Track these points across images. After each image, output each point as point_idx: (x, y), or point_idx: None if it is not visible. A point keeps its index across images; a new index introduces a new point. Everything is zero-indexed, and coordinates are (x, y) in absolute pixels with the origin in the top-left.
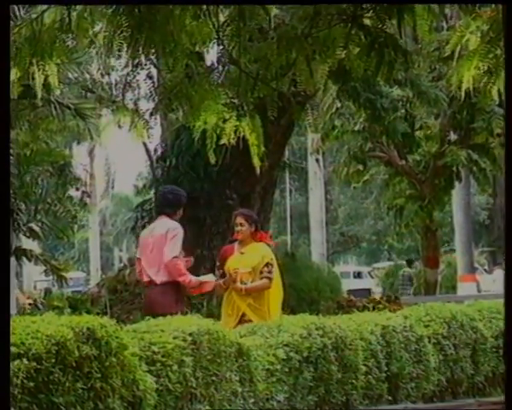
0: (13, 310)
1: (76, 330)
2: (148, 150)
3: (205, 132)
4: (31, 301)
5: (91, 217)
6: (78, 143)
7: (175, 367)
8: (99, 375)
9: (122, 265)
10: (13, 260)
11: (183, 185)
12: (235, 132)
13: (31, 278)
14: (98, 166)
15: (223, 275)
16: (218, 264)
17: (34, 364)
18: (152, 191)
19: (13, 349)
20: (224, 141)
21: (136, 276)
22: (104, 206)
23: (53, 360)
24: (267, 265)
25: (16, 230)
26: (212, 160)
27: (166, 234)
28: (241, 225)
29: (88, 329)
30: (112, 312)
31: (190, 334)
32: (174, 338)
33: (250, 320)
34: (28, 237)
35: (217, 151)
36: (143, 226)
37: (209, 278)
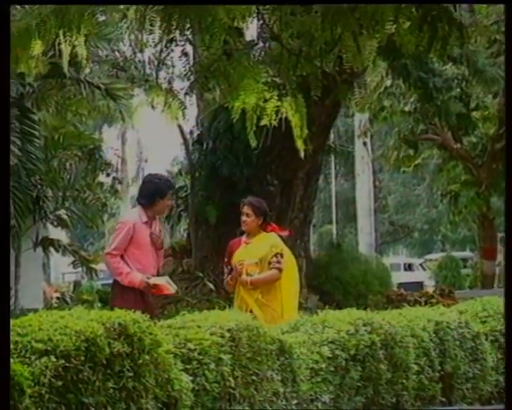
0: (40, 304)
1: (107, 325)
2: (183, 133)
3: (244, 113)
4: (58, 295)
5: (123, 204)
6: (109, 125)
7: (212, 366)
8: (131, 374)
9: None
10: (39, 250)
11: (221, 170)
12: (277, 113)
13: (58, 270)
14: (130, 150)
15: (230, 271)
16: (225, 259)
17: (62, 361)
18: (188, 177)
19: (40, 346)
20: (264, 122)
21: (170, 267)
22: (136, 193)
23: (82, 358)
24: (276, 255)
25: (43, 218)
26: (253, 143)
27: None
28: (247, 215)
29: (119, 324)
30: None
31: (229, 330)
32: (211, 334)
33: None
34: (55, 226)
35: (257, 133)
36: (179, 215)
37: (161, 281)
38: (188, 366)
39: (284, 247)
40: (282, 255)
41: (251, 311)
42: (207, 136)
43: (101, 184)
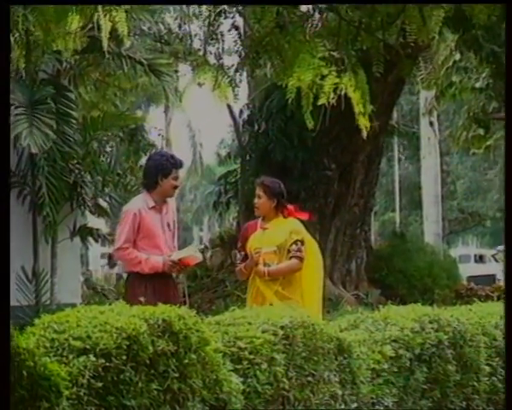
0: (77, 299)
1: (150, 322)
2: (232, 113)
3: (299, 92)
4: (98, 289)
5: None
6: (152, 104)
7: (264, 366)
8: (177, 374)
9: (203, 246)
10: (77, 240)
11: (274, 153)
12: (335, 91)
13: (97, 262)
14: (175, 131)
15: (244, 258)
16: (239, 244)
17: (102, 361)
18: (238, 161)
19: (78, 344)
20: (322, 101)
21: (218, 259)
22: (182, 178)
23: (124, 357)
24: (296, 243)
25: (81, 206)
26: (309, 124)
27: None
28: (258, 197)
29: (164, 321)
30: (191, 301)
31: (282, 327)
32: (263, 332)
33: None
34: (94, 214)
35: (314, 113)
36: (228, 202)
37: (185, 253)
38: (238, 366)
39: (305, 232)
40: (302, 243)
41: (270, 305)
42: (259, 116)
43: None
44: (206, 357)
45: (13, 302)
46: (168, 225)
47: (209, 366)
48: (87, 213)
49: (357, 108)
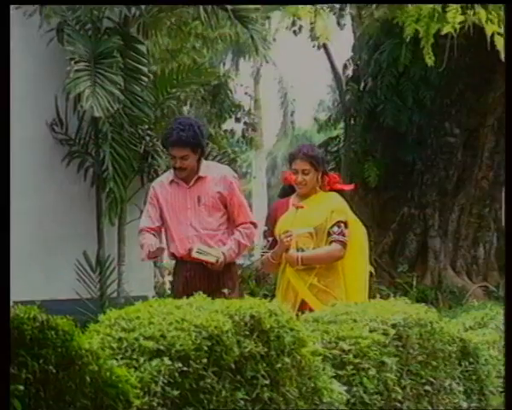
0: (150, 291)
1: (236, 318)
2: (334, 68)
3: (415, 42)
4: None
5: (256, 161)
6: (238, 57)
7: (372, 372)
8: (267, 381)
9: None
10: None
11: (384, 117)
12: (461, 30)
13: None
14: (265, 89)
15: (272, 245)
16: (265, 229)
17: (179, 365)
18: (340, 125)
19: (150, 344)
20: (447, 30)
21: None
22: (273, 145)
23: (204, 360)
24: (338, 224)
25: (152, 180)
26: (429, 59)
27: None
28: (303, 172)
29: (252, 317)
30: None
31: (394, 325)
32: (371, 331)
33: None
34: None
35: (436, 53)
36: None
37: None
38: (340, 372)
39: (349, 211)
40: (346, 225)
41: (302, 302)
42: (365, 72)
43: (230, 132)
44: (302, 361)
45: (73, 295)
46: (199, 200)
47: (306, 371)
48: None
49: (491, 29)
